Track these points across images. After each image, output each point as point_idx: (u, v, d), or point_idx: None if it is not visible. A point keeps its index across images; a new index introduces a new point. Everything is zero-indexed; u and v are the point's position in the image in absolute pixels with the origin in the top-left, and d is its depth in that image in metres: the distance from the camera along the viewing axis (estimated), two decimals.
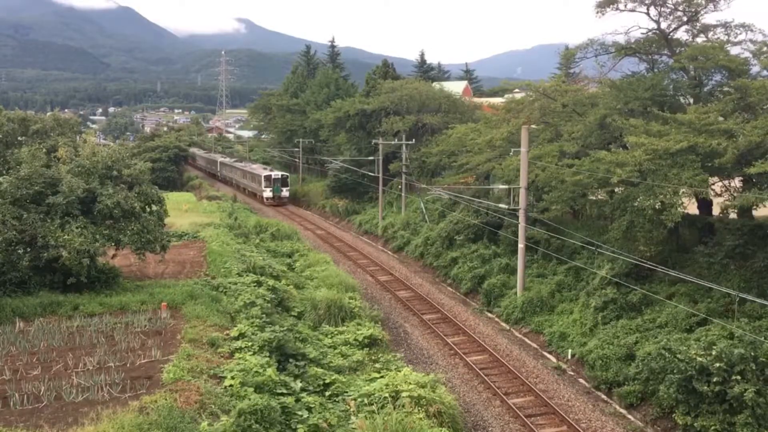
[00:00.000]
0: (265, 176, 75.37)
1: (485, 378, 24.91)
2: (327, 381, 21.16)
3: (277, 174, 76.57)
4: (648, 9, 31.47)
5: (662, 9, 31.24)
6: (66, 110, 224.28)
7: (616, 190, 28.72)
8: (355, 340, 26.18)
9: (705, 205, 29.07)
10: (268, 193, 74.74)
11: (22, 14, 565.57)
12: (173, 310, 24.84)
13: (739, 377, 18.64)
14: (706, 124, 24.99)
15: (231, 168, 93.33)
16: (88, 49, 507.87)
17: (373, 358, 24.88)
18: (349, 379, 21.87)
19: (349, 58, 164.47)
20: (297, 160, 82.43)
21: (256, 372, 19.04)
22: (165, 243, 29.12)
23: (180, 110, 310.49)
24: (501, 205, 36.47)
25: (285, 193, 75.43)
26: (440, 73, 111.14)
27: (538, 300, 30.74)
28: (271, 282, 31.00)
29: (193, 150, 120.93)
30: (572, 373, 25.50)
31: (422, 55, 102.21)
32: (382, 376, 21.26)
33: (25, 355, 20.20)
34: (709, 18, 31.68)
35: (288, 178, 76.35)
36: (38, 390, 17.38)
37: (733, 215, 26.30)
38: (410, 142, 52.96)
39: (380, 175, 54.38)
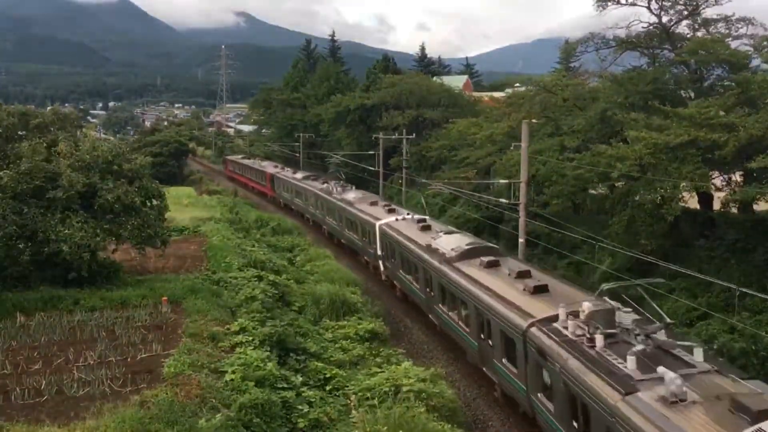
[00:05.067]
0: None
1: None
2: (328, 375, 21.18)
3: None
4: (649, 3, 31.44)
5: (663, 3, 31.21)
6: (66, 105, 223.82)
7: (617, 184, 28.71)
8: (356, 334, 26.13)
9: (705, 199, 29.05)
10: None
11: (22, 9, 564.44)
12: (174, 304, 24.82)
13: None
14: (707, 118, 24.95)
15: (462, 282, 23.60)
16: (88, 43, 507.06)
17: (373, 352, 24.81)
18: (349, 374, 21.87)
19: (349, 52, 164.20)
20: (297, 154, 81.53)
21: (257, 366, 19.04)
22: (165, 238, 29.11)
23: (180, 105, 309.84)
24: (501, 200, 36.43)
25: None
26: (441, 68, 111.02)
27: None
28: (271, 277, 30.98)
29: (278, 173, 66.92)
30: None
31: (423, 49, 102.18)
32: (382, 371, 21.24)
33: (26, 350, 20.22)
34: (709, 12, 31.63)
35: None
36: (39, 384, 17.40)
37: (733, 210, 26.30)
38: (410, 137, 52.86)
39: (380, 169, 54.29)
